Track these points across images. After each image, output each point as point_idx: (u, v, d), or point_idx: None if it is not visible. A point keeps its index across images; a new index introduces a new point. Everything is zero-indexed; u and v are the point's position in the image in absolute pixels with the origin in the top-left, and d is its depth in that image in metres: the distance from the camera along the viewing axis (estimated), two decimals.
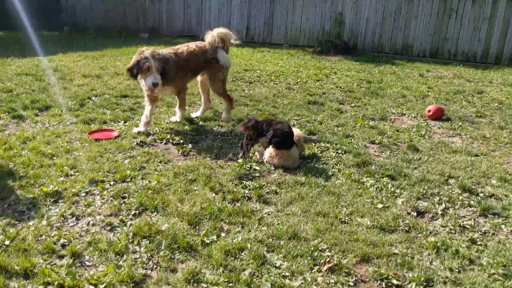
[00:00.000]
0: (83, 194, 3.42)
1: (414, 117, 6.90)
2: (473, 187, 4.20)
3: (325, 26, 15.52)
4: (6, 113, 5.38)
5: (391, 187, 4.07)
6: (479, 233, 3.34)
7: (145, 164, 4.17)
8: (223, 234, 2.93)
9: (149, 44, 14.19)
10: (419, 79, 10.16)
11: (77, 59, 9.90)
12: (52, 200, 3.28)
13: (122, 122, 5.59)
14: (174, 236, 2.85)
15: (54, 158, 4.07)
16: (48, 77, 7.63)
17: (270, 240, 2.94)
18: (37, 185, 3.56)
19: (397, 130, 6.17)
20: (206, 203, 3.41)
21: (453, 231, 3.34)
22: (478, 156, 5.17)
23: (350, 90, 8.72)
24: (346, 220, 3.35)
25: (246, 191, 3.73)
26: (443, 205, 3.79)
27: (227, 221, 3.16)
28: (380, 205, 3.67)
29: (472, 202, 3.87)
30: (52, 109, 5.71)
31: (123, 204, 3.29)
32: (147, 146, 4.78)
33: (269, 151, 4.47)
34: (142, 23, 17.98)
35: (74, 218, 3.04)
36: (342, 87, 9.02)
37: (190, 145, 4.92)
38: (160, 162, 4.31)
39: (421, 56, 13.80)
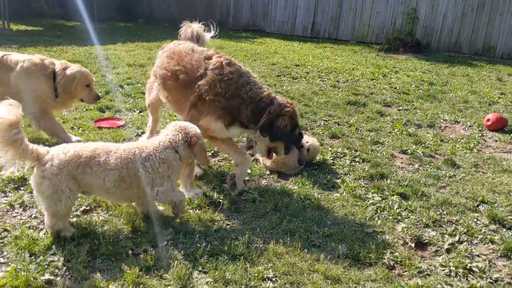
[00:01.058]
0: None
1: (469, 126, 5.91)
2: (508, 218, 3.36)
3: (396, 22, 14.31)
4: None
5: (396, 208, 3.41)
6: (488, 280, 2.59)
7: None
8: (161, 244, 2.60)
9: (218, 38, 14.31)
10: (495, 84, 8.81)
11: (132, 48, 10.23)
12: (13, 186, 3.21)
13: (138, 111, 5.52)
14: (105, 241, 2.57)
15: (46, 143, 4.07)
16: (93, 64, 7.91)
17: (205, 258, 2.52)
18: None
19: (441, 140, 5.30)
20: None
21: (452, 274, 2.63)
22: None
23: (404, 91, 7.82)
24: (318, 244, 2.81)
25: (221, 196, 3.35)
26: (456, 238, 3.05)
27: (176, 229, 2.82)
28: (370, 230, 3.05)
29: (496, 238, 3.07)
30: None
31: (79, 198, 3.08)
32: None
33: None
34: (210, 16, 18.19)
35: (21, 208, 2.93)
36: (397, 88, 8.13)
37: None
38: None
39: (505, 58, 12.04)
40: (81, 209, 2.96)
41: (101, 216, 2.89)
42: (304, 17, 16.70)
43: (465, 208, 3.52)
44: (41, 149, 2.47)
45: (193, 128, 2.87)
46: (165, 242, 2.64)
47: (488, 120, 5.71)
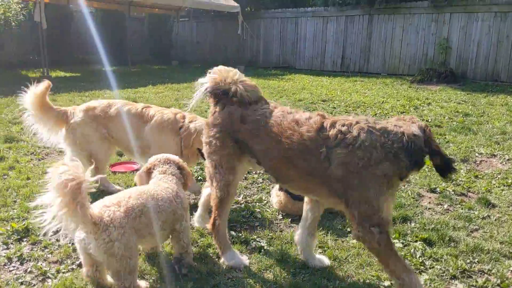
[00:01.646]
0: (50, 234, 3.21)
1: (508, 160, 5.44)
2: None
3: (428, 52, 14.01)
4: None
5: (419, 257, 3.07)
6: None
7: None
8: None
9: (247, 76, 14.57)
10: None
11: (161, 90, 10.53)
12: (16, 237, 3.10)
13: None
14: None
15: None
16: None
17: None
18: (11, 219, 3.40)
19: (475, 176, 4.88)
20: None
21: None
22: None
23: (437, 124, 7.44)
24: None
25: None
26: None
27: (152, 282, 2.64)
28: (387, 283, 2.74)
29: None
30: None
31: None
32: None
33: (276, 194, 3.84)
34: (241, 56, 18.69)
35: (18, 262, 2.82)
36: (429, 120, 7.77)
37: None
38: None
39: None
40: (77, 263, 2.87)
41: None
42: (333, 51, 16.73)
43: (500, 254, 3.12)
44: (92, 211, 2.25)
45: (172, 155, 3.01)
46: None
47: None
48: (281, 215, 3.80)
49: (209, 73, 2.94)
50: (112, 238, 2.23)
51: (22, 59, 15.07)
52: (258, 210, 3.82)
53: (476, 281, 2.79)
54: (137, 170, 4.81)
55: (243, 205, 3.92)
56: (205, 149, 2.91)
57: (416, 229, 3.51)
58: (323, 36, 16.56)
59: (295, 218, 3.72)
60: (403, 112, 8.58)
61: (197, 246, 3.13)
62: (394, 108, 8.98)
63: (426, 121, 7.68)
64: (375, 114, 8.26)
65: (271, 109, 2.74)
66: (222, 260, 2.90)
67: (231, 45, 19.05)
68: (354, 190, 2.37)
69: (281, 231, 3.46)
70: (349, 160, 2.34)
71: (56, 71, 14.05)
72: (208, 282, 2.67)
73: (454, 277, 2.85)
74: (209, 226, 2.93)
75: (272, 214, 3.80)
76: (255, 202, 4.05)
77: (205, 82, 2.91)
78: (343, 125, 2.42)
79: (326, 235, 3.39)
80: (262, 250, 3.11)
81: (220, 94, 2.83)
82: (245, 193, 4.29)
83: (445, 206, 4.06)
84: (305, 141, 2.47)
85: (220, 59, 19.48)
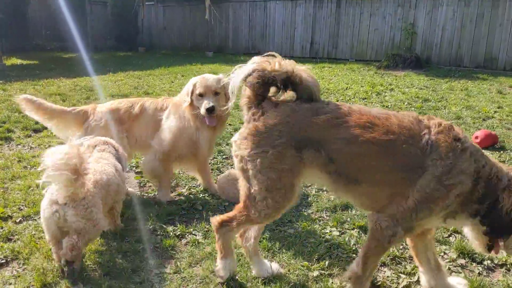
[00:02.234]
0: None
1: None
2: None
3: (395, 38, 14.10)
4: (1, 133, 5.43)
5: (353, 244, 3.08)
6: None
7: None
8: None
9: (214, 63, 14.35)
10: (494, 97, 8.41)
11: (121, 78, 10.25)
12: None
13: None
14: None
15: None
16: (75, 96, 7.87)
17: None
18: None
19: None
20: (87, 257, 2.78)
21: None
22: None
23: (396, 109, 7.50)
24: None
25: (158, 239, 3.07)
26: (415, 277, 2.70)
27: (94, 283, 2.54)
28: (316, 273, 2.72)
29: (461, 276, 2.70)
30: (45, 130, 5.71)
31: None
32: None
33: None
34: (210, 42, 18.37)
35: None
36: (389, 106, 7.83)
37: None
38: None
39: (508, 69, 11.61)
40: None
41: (15, 270, 2.66)
42: (302, 36, 16.64)
43: (434, 240, 3.16)
44: None
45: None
46: None
47: (476, 137, 5.34)
48: (224, 206, 3.74)
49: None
50: (89, 205, 2.53)
51: None
52: (200, 202, 3.74)
53: (405, 268, 2.82)
54: None
55: (184, 197, 3.84)
56: (242, 166, 2.23)
57: (356, 216, 3.52)
58: (292, 21, 16.44)
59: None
60: (365, 99, 8.63)
61: (127, 242, 3.03)
62: (357, 94, 9.02)
63: (386, 107, 7.75)
64: (337, 101, 8.26)
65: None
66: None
67: (200, 31, 18.70)
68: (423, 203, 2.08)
69: None
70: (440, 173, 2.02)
71: (11, 58, 13.47)
72: (132, 280, 2.59)
73: (384, 264, 2.87)
74: (215, 221, 2.45)
75: (215, 206, 3.73)
76: (199, 193, 3.97)
77: (248, 68, 2.24)
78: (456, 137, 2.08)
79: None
80: (196, 243, 3.05)
81: (267, 86, 2.22)
82: (190, 184, 4.20)
83: None
84: (407, 130, 2.09)
85: (188, 45, 19.13)
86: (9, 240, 3.00)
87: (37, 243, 2.90)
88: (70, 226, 2.47)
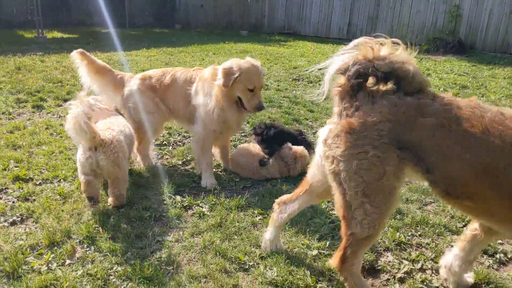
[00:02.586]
0: None
1: None
2: (493, 243, 2.86)
3: (438, 21, 13.40)
4: (34, 102, 5.71)
5: None
6: None
7: None
8: (68, 261, 2.47)
9: (247, 42, 14.27)
10: None
11: (153, 54, 10.40)
12: None
13: None
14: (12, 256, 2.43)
15: (18, 149, 4.10)
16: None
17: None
18: None
19: None
20: (95, 220, 2.91)
21: None
22: None
23: None
24: (247, 267, 2.53)
25: (165, 208, 3.15)
26: (419, 265, 2.63)
27: (97, 245, 2.65)
28: (315, 252, 2.70)
29: None
30: None
31: (13, 209, 3.01)
32: None
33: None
34: (245, 20, 18.24)
35: None
36: None
37: (170, 147, 4.55)
38: None
39: None
40: (10, 220, 2.91)
41: (28, 228, 2.83)
42: (339, 17, 16.18)
43: (445, 229, 3.06)
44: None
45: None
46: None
47: None
48: (235, 182, 3.77)
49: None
50: (116, 150, 3.01)
51: (21, 19, 14.98)
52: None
53: (410, 254, 2.75)
54: None
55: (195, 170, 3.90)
56: (334, 168, 1.99)
57: None
58: (330, 1, 15.98)
59: (247, 185, 3.69)
60: None
61: (135, 209, 3.14)
62: None
63: None
64: None
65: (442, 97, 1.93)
66: None
67: (236, 9, 18.58)
68: None
69: (226, 198, 3.43)
70: None
71: (53, 32, 13.97)
72: (134, 244, 2.69)
73: (387, 249, 2.81)
74: (335, 262, 2.16)
75: (225, 180, 3.77)
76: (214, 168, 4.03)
77: (344, 58, 2.01)
78: None
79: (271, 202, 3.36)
80: (201, 215, 3.11)
81: (366, 77, 1.97)
82: None
83: (406, 179, 3.96)
84: None
85: (224, 23, 19.08)
86: (27, 200, 3.20)
87: (50, 204, 3.06)
88: (102, 169, 2.98)
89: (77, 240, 2.69)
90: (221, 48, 12.49)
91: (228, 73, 3.32)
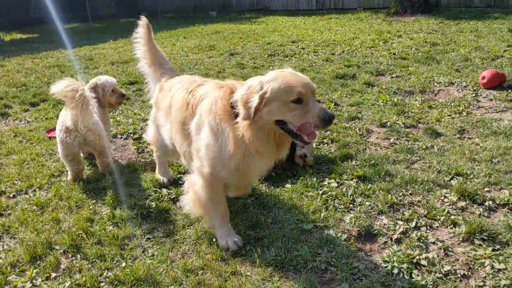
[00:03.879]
0: None
1: (465, 87, 5.27)
2: (481, 192, 2.88)
3: None
4: None
5: (350, 195, 2.98)
6: (436, 275, 2.16)
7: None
8: (53, 274, 2.34)
9: (217, 22, 13.88)
10: (504, 36, 7.95)
11: (121, 45, 10.04)
12: None
13: None
14: None
15: None
16: (74, 67, 7.78)
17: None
18: None
19: (429, 106, 4.75)
20: (78, 226, 2.74)
21: (394, 272, 2.22)
22: None
23: (403, 56, 7.17)
24: (245, 252, 2.44)
25: (152, 204, 3.02)
26: (413, 223, 2.62)
27: (83, 252, 2.53)
28: (310, 226, 2.66)
29: (459, 219, 2.60)
30: (43, 104, 5.67)
31: None
32: None
33: None
34: (214, 0, 17.79)
35: None
36: (395, 53, 7.48)
37: None
38: (89, 165, 3.76)
39: None
40: None
41: (6, 244, 2.67)
42: None
43: (434, 184, 3.05)
44: None
45: None
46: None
47: (483, 77, 5.06)
48: None
49: None
50: (99, 129, 3.41)
51: None
52: None
53: (403, 214, 2.73)
54: None
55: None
56: None
57: (355, 166, 3.41)
58: None
59: None
60: (372, 47, 8.26)
61: (119, 208, 3.01)
62: (364, 44, 8.63)
63: (393, 54, 7.41)
64: (343, 52, 7.94)
65: None
66: None
67: None
68: None
69: None
70: None
71: (12, 33, 13.32)
72: (124, 246, 2.58)
73: (381, 212, 2.78)
74: None
75: None
76: None
77: None
78: None
79: (261, 183, 3.29)
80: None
81: None
82: None
83: (391, 140, 3.95)
84: None
85: (191, 6, 18.56)
86: (1, 215, 3.01)
87: (27, 217, 2.90)
88: (90, 144, 3.37)
89: (61, 251, 2.54)
90: (191, 31, 12.16)
91: (246, 101, 2.17)
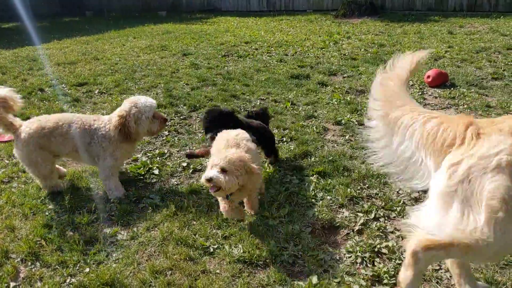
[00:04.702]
0: None
1: (411, 86, 5.60)
2: None
3: None
4: None
5: (312, 190, 3.08)
6: (396, 262, 2.31)
7: (20, 174, 3.48)
8: (12, 284, 2.19)
9: (168, 22, 13.64)
10: (445, 37, 8.52)
11: (66, 45, 9.60)
12: None
13: None
14: None
15: None
16: (16, 68, 7.33)
17: None
18: None
19: None
20: (35, 233, 2.62)
21: (358, 261, 2.34)
22: None
23: (353, 57, 7.47)
24: (212, 250, 2.47)
25: (112, 207, 2.93)
26: (372, 215, 2.76)
27: (43, 260, 2.42)
28: (275, 222, 2.72)
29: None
30: None
31: None
32: None
33: None
34: (163, 0, 17.45)
35: None
36: (346, 54, 7.77)
37: None
38: None
39: (458, 10, 11.77)
40: None
41: None
42: None
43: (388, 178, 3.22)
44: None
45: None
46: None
47: (428, 76, 5.41)
48: (181, 167, 3.63)
49: None
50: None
51: None
52: (157, 165, 3.61)
53: (363, 207, 2.86)
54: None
55: (139, 162, 3.69)
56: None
57: (315, 163, 3.52)
58: None
59: (198, 168, 3.58)
60: (323, 48, 8.52)
61: (79, 213, 2.90)
62: (315, 45, 8.88)
63: (344, 54, 7.70)
64: (295, 53, 8.12)
65: None
66: None
67: None
68: None
69: (178, 184, 3.31)
70: None
71: None
72: (86, 251, 2.49)
73: (342, 205, 2.89)
74: None
75: (173, 167, 3.62)
76: (156, 157, 3.84)
77: None
78: None
79: None
80: (155, 207, 2.96)
81: None
82: (146, 149, 4.04)
83: (347, 137, 4.11)
84: None
85: (139, 5, 18.10)
86: None
87: None
88: None
89: (18, 259, 2.42)
90: (140, 31, 11.87)
91: None
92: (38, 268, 2.33)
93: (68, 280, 2.24)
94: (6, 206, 2.95)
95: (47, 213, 2.86)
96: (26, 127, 3.02)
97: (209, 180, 2.31)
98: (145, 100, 3.07)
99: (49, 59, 8.06)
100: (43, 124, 3.01)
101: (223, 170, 2.34)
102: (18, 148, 3.00)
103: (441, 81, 5.33)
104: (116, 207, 2.93)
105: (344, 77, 6.30)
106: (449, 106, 4.76)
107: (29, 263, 2.38)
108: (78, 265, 2.35)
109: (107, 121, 3.06)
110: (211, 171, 2.34)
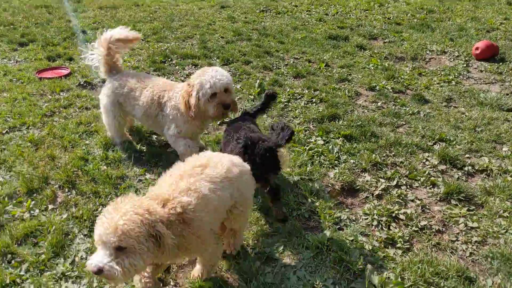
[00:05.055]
0: None
1: (457, 57, 5.35)
2: (462, 157, 3.04)
3: None
4: None
5: (336, 152, 3.11)
6: (412, 229, 2.35)
7: (62, 109, 3.69)
8: (50, 207, 2.45)
9: None
10: (502, 8, 7.94)
11: None
12: None
13: None
14: None
15: None
16: (61, 8, 7.50)
17: None
18: None
19: (419, 74, 4.83)
20: (73, 164, 2.79)
21: (374, 224, 2.40)
22: (511, 111, 3.78)
23: (397, 22, 7.15)
24: None
25: (142, 148, 3.10)
26: (394, 182, 2.77)
27: (78, 188, 2.63)
28: (296, 178, 2.79)
29: (439, 180, 2.77)
30: (31, 44, 5.52)
31: None
32: (88, 88, 4.29)
33: None
34: None
35: None
36: (390, 18, 7.43)
37: None
38: (81, 107, 3.78)
39: None
40: None
41: (1, 177, 2.73)
42: None
43: (417, 148, 3.20)
44: None
45: None
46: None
47: (477, 48, 5.14)
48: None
49: None
50: None
51: None
52: None
53: (386, 173, 2.88)
54: (66, 75, 4.55)
55: None
56: None
57: (342, 126, 3.52)
58: None
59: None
60: (366, 10, 8.18)
61: (112, 150, 3.07)
62: (359, 6, 8.52)
63: (388, 18, 7.37)
64: (336, 13, 7.84)
65: None
66: None
67: None
68: None
69: (207, 134, 3.41)
70: None
71: None
72: (117, 185, 2.67)
73: (364, 170, 2.92)
74: None
75: None
76: None
77: None
78: None
79: None
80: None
81: None
82: None
83: (379, 104, 4.05)
84: None
85: None
86: None
87: (22, 152, 2.95)
88: None
89: (57, 186, 2.64)
90: None
91: None
92: (73, 195, 2.55)
93: (100, 209, 2.43)
94: (47, 137, 3.17)
95: (83, 147, 3.06)
96: (115, 79, 2.90)
97: (98, 272, 1.51)
98: (213, 75, 2.55)
99: (92, 3, 8.17)
100: (124, 83, 2.85)
101: (119, 249, 1.53)
102: (104, 94, 2.91)
103: (491, 54, 5.06)
104: (146, 149, 3.09)
105: (385, 42, 6.08)
106: (494, 81, 4.55)
107: (66, 190, 2.60)
108: (110, 196, 2.54)
109: (179, 89, 2.74)
110: (99, 255, 1.53)
